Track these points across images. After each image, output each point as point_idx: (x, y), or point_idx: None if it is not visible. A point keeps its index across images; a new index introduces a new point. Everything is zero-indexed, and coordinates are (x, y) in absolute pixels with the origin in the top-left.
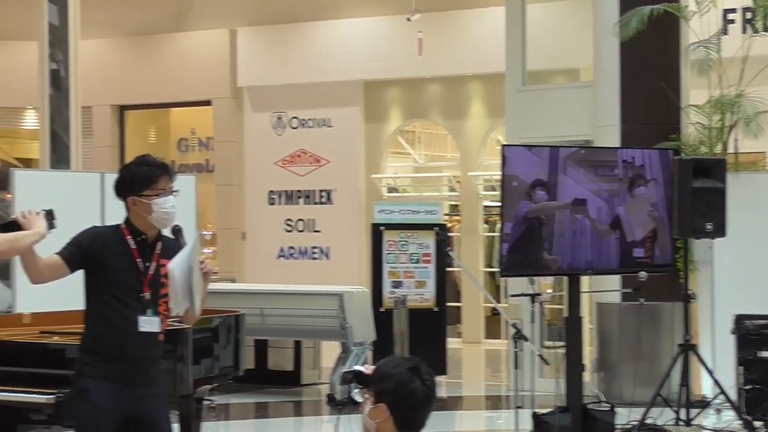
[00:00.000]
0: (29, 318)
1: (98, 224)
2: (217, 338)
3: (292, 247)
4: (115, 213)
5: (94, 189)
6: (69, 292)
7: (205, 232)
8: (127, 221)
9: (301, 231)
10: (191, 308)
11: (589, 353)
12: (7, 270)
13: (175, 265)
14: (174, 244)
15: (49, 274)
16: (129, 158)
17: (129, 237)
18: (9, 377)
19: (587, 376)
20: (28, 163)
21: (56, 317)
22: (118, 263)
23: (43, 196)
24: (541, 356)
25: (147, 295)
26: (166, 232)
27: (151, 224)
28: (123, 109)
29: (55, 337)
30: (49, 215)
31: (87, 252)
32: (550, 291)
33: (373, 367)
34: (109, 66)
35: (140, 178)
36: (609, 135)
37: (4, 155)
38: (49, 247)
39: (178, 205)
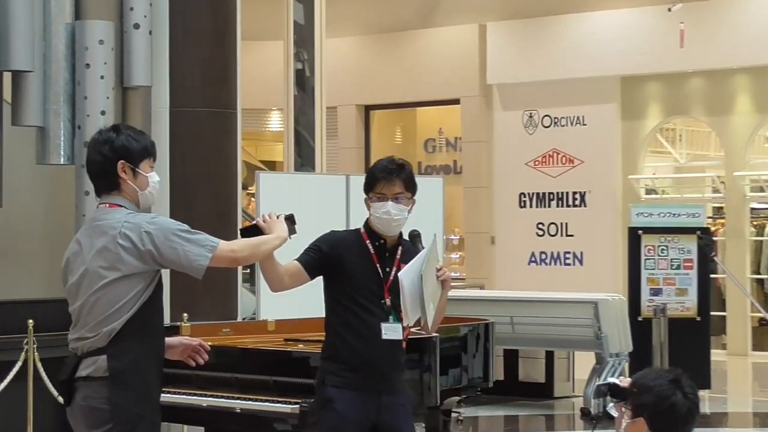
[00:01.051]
0: (273, 325)
1: (343, 227)
2: (466, 348)
3: (543, 252)
4: (361, 215)
5: (339, 191)
6: (313, 299)
7: (452, 237)
8: (366, 225)
9: (553, 235)
10: (423, 319)
11: None
12: (253, 275)
13: (404, 272)
14: (413, 250)
15: (289, 281)
16: (374, 160)
17: (368, 241)
18: (254, 386)
19: None
20: (272, 165)
21: (300, 324)
22: (358, 268)
23: (287, 198)
24: None
25: (388, 301)
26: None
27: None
28: (368, 109)
29: (300, 345)
30: (290, 219)
31: (327, 257)
32: None
33: (629, 379)
34: (355, 65)
35: (367, 179)
36: None
37: (249, 158)
38: (292, 251)
39: (424, 209)
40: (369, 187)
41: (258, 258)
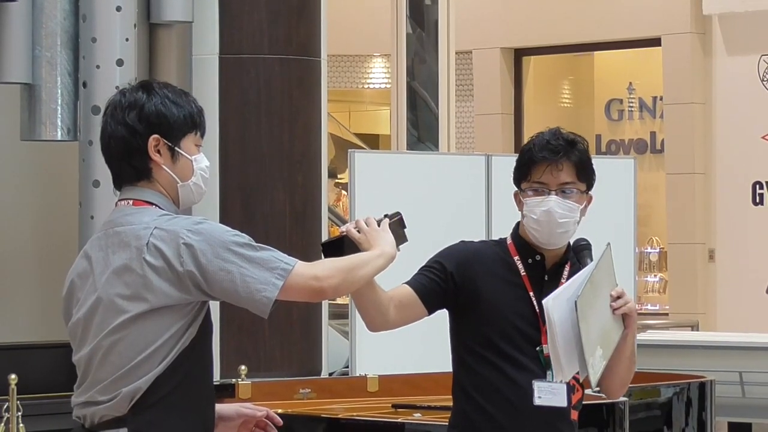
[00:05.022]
0: (376, 384)
1: (482, 236)
2: (670, 419)
3: None
4: (508, 218)
5: (475, 179)
6: (435, 344)
7: (649, 250)
8: (516, 233)
9: None
10: (583, 374)
11: None
12: (346, 308)
13: (553, 301)
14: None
15: (396, 314)
16: (529, 132)
17: (516, 257)
18: None
19: None
20: (374, 140)
21: (416, 383)
22: (500, 298)
23: (396, 191)
24: None
25: (546, 348)
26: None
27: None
28: (520, 54)
29: (416, 414)
30: (397, 223)
31: (452, 281)
32: None
33: None
34: None
35: (519, 163)
36: None
37: (339, 130)
38: (401, 271)
39: (606, 206)
40: (522, 175)
41: (353, 287)
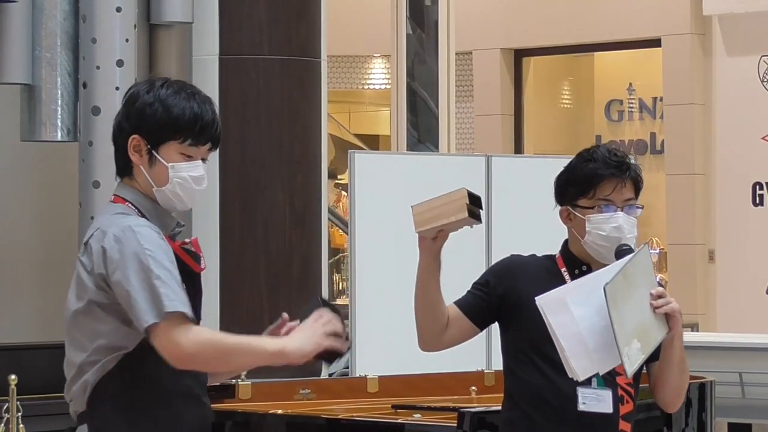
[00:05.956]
0: (376, 384)
1: (482, 237)
2: (670, 420)
3: None
4: (508, 217)
5: (475, 180)
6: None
7: (650, 250)
8: (565, 248)
9: None
10: (618, 363)
11: None
12: (344, 311)
13: (545, 299)
14: None
15: (448, 335)
16: (529, 133)
17: (564, 269)
18: None
19: None
20: (374, 141)
21: (417, 383)
22: None
23: (396, 192)
24: None
25: None
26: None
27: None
28: (520, 54)
29: (416, 415)
30: (475, 202)
31: (494, 293)
32: None
33: None
34: None
35: (577, 179)
36: None
37: (339, 130)
38: (396, 272)
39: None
40: (582, 191)
41: (221, 369)
